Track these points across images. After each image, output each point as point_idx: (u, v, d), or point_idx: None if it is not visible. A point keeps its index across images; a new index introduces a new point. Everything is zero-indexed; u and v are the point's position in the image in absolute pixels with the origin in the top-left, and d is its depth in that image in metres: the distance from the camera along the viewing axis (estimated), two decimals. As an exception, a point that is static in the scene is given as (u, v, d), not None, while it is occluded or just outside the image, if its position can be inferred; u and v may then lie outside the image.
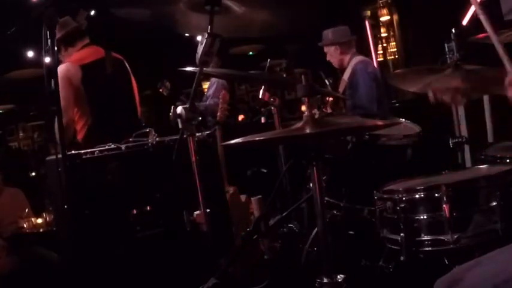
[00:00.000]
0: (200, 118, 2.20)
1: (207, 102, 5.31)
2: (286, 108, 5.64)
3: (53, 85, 2.41)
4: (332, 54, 4.55)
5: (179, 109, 2.13)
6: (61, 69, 3.48)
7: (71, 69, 3.49)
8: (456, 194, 1.85)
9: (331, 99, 4.33)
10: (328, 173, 2.52)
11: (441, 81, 2.08)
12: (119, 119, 3.49)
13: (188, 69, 2.89)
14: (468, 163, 2.98)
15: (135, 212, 2.78)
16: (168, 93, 4.74)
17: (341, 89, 4.54)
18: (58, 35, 3.55)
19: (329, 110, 4.24)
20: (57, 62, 2.38)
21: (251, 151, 5.01)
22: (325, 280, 1.63)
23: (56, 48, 2.36)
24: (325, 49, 4.61)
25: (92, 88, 3.50)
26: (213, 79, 5.54)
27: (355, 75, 4.34)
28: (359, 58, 4.52)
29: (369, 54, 6.64)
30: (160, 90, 5.22)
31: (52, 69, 2.40)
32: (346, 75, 4.49)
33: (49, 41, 2.32)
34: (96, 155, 2.74)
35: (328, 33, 4.55)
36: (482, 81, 2.01)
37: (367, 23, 7.29)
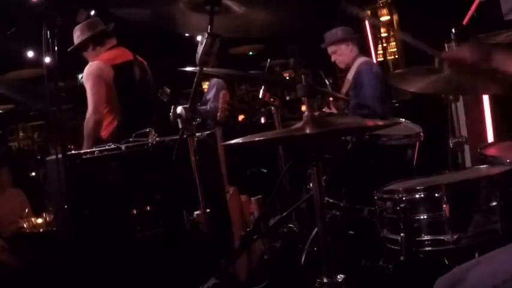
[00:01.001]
0: (199, 120, 2.20)
1: (207, 107, 5.26)
2: (287, 108, 5.63)
3: (52, 85, 2.40)
4: (343, 51, 4.48)
5: (179, 109, 2.13)
6: (93, 67, 3.63)
7: (104, 68, 3.61)
8: (456, 194, 1.85)
9: (331, 99, 4.33)
10: (328, 173, 2.52)
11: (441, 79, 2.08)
12: (142, 120, 3.54)
13: (188, 69, 2.89)
14: (468, 163, 2.98)
15: (135, 212, 2.78)
16: (168, 99, 4.75)
17: (345, 89, 4.54)
18: (88, 34, 3.76)
19: (333, 110, 4.24)
20: (57, 62, 2.38)
21: (251, 151, 5.02)
22: (325, 280, 1.63)
23: (56, 48, 2.36)
24: (333, 48, 4.52)
25: (122, 88, 3.63)
26: (213, 81, 5.50)
27: (360, 75, 4.33)
28: (363, 59, 4.52)
29: (369, 54, 6.64)
30: (160, 97, 5.22)
31: (52, 69, 2.40)
32: (350, 75, 4.48)
33: (49, 41, 2.32)
34: (96, 155, 2.74)
35: (337, 32, 4.50)
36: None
37: (367, 23, 7.29)
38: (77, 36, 3.81)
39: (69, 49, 3.81)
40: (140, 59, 3.85)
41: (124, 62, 3.71)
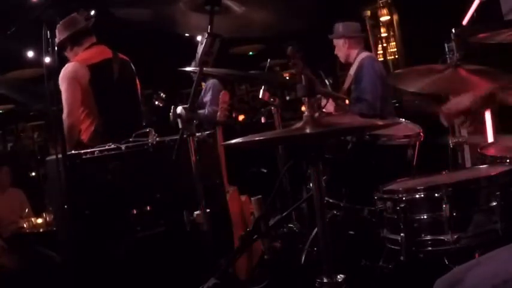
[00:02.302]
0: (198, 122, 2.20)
1: (206, 110, 5.21)
2: (290, 108, 5.62)
3: (52, 85, 2.40)
4: (340, 47, 4.57)
5: (179, 109, 2.13)
6: (68, 69, 3.49)
7: (79, 69, 3.48)
8: (456, 194, 1.85)
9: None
10: (328, 173, 2.52)
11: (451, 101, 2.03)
12: (124, 121, 3.49)
13: (188, 69, 2.89)
14: (468, 163, 2.98)
15: (135, 212, 2.78)
16: (164, 104, 4.75)
17: (347, 84, 4.55)
18: (65, 34, 3.61)
19: (334, 109, 4.23)
20: (57, 62, 2.38)
21: (251, 151, 5.01)
22: (325, 280, 1.63)
23: (56, 48, 2.35)
24: (334, 42, 4.62)
25: (99, 89, 3.50)
26: (209, 83, 5.45)
27: (361, 69, 4.35)
28: (366, 54, 4.54)
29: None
30: (156, 102, 5.20)
31: (52, 69, 2.40)
32: (352, 70, 4.50)
33: (49, 41, 2.32)
34: (96, 155, 2.74)
35: (339, 27, 4.58)
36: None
37: (367, 23, 7.29)
38: (57, 37, 3.64)
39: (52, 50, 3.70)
40: (122, 56, 3.71)
41: (101, 61, 3.57)
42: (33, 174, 8.88)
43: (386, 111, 4.24)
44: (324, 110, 4.08)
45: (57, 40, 3.62)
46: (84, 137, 3.53)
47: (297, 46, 1.67)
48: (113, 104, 3.52)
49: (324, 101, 4.13)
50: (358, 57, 4.47)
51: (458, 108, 1.91)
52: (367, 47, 6.84)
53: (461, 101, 1.90)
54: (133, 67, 3.78)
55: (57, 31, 3.63)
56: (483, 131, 2.87)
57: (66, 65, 3.52)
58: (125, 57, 3.74)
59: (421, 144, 2.57)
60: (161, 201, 2.83)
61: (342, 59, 4.64)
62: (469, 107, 1.89)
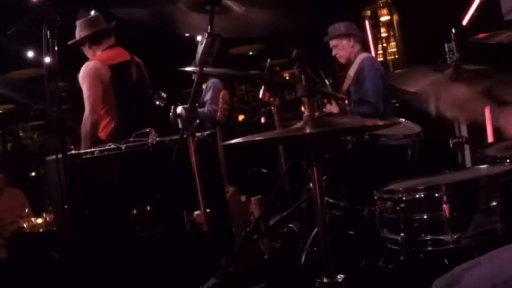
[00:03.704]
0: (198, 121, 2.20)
1: (205, 109, 5.22)
2: (290, 108, 5.62)
3: (51, 86, 2.40)
4: (344, 46, 4.49)
5: (179, 109, 2.13)
6: (90, 67, 3.59)
7: (101, 67, 3.57)
8: (456, 194, 1.85)
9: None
10: (328, 173, 2.51)
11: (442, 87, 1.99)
12: (140, 121, 3.53)
13: (188, 69, 2.89)
14: (468, 163, 2.98)
15: (135, 212, 2.78)
16: (165, 104, 4.75)
17: (346, 85, 4.53)
18: (87, 32, 3.73)
19: (334, 109, 4.23)
20: (57, 62, 2.38)
21: (251, 151, 5.01)
22: (325, 280, 1.63)
23: (56, 48, 2.36)
24: (334, 42, 4.52)
25: (119, 88, 3.60)
26: (209, 82, 5.46)
27: (363, 70, 4.33)
28: (366, 55, 4.52)
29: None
30: (158, 102, 5.20)
31: (52, 69, 2.40)
32: (352, 71, 4.47)
33: (49, 41, 2.32)
34: (96, 155, 2.74)
35: (340, 26, 4.50)
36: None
37: (367, 23, 7.30)
38: (77, 32, 3.79)
39: (68, 42, 3.77)
40: (137, 59, 3.83)
41: (121, 62, 3.69)
42: (33, 174, 8.89)
43: (386, 111, 4.24)
44: (324, 110, 4.10)
45: (77, 36, 3.72)
46: (103, 134, 3.62)
47: (302, 49, 1.68)
48: (131, 104, 3.63)
49: (328, 106, 4.15)
50: (358, 57, 4.45)
51: (452, 99, 1.86)
52: (367, 47, 6.87)
53: (456, 93, 1.86)
54: (145, 71, 3.89)
55: (78, 27, 3.74)
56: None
57: (87, 63, 3.63)
58: (139, 60, 3.86)
59: (421, 144, 2.57)
60: (161, 201, 2.83)
61: (344, 58, 4.55)
62: (464, 99, 1.84)
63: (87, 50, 3.78)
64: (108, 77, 3.56)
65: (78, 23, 3.79)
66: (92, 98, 3.54)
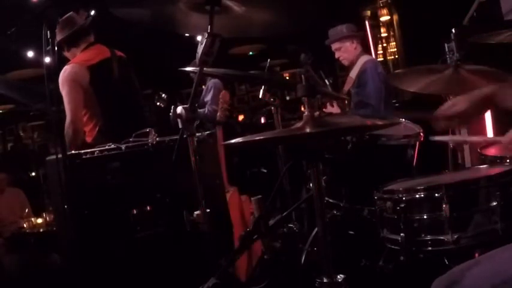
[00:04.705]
0: (199, 121, 2.20)
1: (206, 110, 5.21)
2: (290, 108, 5.63)
3: (51, 86, 2.40)
4: (347, 48, 4.48)
5: (179, 109, 2.13)
6: (67, 71, 3.45)
7: (78, 71, 3.44)
8: (456, 194, 1.85)
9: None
10: (328, 173, 2.51)
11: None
12: (127, 119, 3.48)
13: (188, 69, 2.89)
14: (468, 163, 2.99)
15: (135, 212, 2.78)
16: (165, 104, 4.75)
17: (347, 87, 4.53)
18: (62, 35, 3.56)
19: (335, 109, 4.23)
20: (57, 62, 2.37)
21: (251, 151, 5.01)
22: (325, 280, 1.63)
23: (56, 48, 2.35)
24: (337, 45, 4.52)
25: (100, 89, 3.47)
26: (209, 83, 5.45)
27: (365, 73, 4.32)
28: (368, 57, 4.52)
29: (369, 54, 6.64)
30: (158, 103, 5.19)
31: (52, 70, 2.40)
32: (353, 73, 4.47)
33: (49, 41, 2.32)
34: (96, 155, 2.73)
35: (342, 28, 4.49)
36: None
37: (367, 23, 7.30)
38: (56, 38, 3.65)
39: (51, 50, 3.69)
40: (119, 53, 3.68)
41: (101, 61, 3.54)
42: (33, 174, 8.89)
43: (387, 112, 4.24)
44: (324, 110, 4.10)
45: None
46: (89, 138, 3.51)
47: (309, 53, 1.69)
48: (115, 103, 3.51)
49: (329, 107, 4.15)
50: (360, 60, 4.45)
51: (454, 111, 1.85)
52: (367, 47, 6.88)
53: (458, 103, 1.85)
54: (130, 63, 3.74)
55: (56, 32, 3.62)
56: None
57: (64, 68, 3.47)
58: (121, 53, 3.71)
59: (421, 144, 2.57)
60: (161, 201, 2.83)
61: (348, 61, 4.54)
62: (466, 110, 1.83)
63: (66, 53, 3.64)
64: (88, 80, 3.42)
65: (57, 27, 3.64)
66: (72, 105, 3.41)
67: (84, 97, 3.44)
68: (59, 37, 3.53)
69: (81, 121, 3.47)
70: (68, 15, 3.65)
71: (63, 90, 3.40)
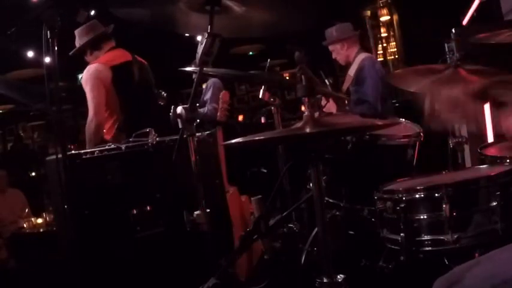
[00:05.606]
0: (199, 121, 2.20)
1: (206, 109, 5.21)
2: (290, 108, 5.63)
3: (51, 86, 2.40)
4: (338, 51, 4.56)
5: (179, 109, 2.13)
6: (91, 70, 3.61)
7: (102, 70, 3.60)
8: (456, 194, 1.85)
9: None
10: (328, 173, 2.51)
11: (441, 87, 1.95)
12: (144, 119, 3.54)
13: (188, 69, 2.89)
14: (468, 163, 2.98)
15: (135, 212, 2.78)
16: (165, 103, 4.77)
17: (346, 85, 4.54)
18: (85, 39, 3.77)
19: (333, 108, 4.22)
20: (57, 62, 2.38)
21: (251, 151, 5.01)
22: (325, 280, 1.63)
23: (56, 48, 2.36)
24: (331, 48, 4.61)
25: (121, 89, 3.62)
26: (209, 82, 5.45)
27: (362, 70, 4.34)
28: (365, 55, 4.53)
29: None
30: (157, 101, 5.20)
31: (52, 69, 2.40)
32: (351, 71, 4.49)
33: (49, 41, 2.32)
34: (96, 155, 2.74)
35: (332, 31, 4.56)
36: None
37: (367, 23, 7.30)
38: (76, 41, 3.82)
39: (70, 53, 3.81)
40: (140, 59, 3.85)
41: (123, 63, 3.71)
42: (33, 174, 8.89)
43: (386, 111, 4.24)
44: (324, 109, 4.10)
45: (77, 45, 3.75)
46: (108, 135, 3.65)
47: (303, 52, 1.68)
48: (134, 104, 3.65)
49: (324, 102, 4.14)
50: (358, 57, 4.46)
51: (449, 99, 1.83)
52: (367, 47, 6.88)
53: (453, 92, 1.83)
54: (150, 70, 3.91)
55: (76, 36, 3.77)
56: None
57: (88, 67, 3.65)
58: (143, 60, 3.87)
59: (421, 144, 2.57)
60: (161, 201, 2.83)
61: (342, 61, 4.63)
62: (461, 98, 1.82)
63: (89, 57, 3.80)
64: (110, 79, 3.58)
65: (77, 31, 3.83)
66: (95, 101, 3.56)
67: (106, 95, 3.59)
68: (82, 41, 3.79)
69: (103, 117, 3.61)
70: (91, 22, 3.88)
71: (87, 87, 3.58)
